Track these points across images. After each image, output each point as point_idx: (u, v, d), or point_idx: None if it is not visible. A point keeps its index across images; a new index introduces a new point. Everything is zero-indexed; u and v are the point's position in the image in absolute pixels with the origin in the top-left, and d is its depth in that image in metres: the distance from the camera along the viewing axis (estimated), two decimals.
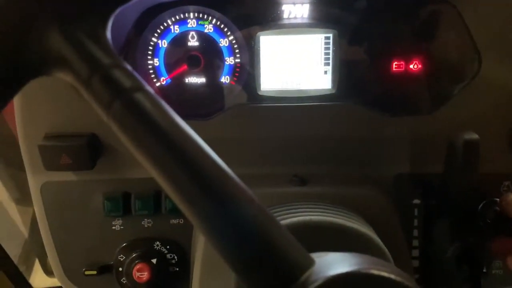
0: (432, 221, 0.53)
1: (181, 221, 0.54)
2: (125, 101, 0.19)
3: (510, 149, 0.52)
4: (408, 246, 0.52)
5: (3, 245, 0.89)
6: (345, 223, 0.41)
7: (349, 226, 0.41)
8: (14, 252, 1.02)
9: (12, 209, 1.06)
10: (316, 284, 0.19)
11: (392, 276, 0.20)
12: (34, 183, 0.53)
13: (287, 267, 0.19)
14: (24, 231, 1.08)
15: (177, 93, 0.54)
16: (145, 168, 0.19)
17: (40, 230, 0.55)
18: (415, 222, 0.53)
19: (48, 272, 1.03)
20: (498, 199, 0.52)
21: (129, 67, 0.20)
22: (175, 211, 0.53)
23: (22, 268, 1.02)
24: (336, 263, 0.20)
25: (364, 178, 0.52)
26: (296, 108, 0.52)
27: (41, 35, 0.18)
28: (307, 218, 0.40)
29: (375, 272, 0.20)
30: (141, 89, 0.19)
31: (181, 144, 0.19)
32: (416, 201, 0.53)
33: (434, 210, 0.52)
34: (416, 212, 0.53)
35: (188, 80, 0.54)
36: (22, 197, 1.08)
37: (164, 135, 0.19)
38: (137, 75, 0.20)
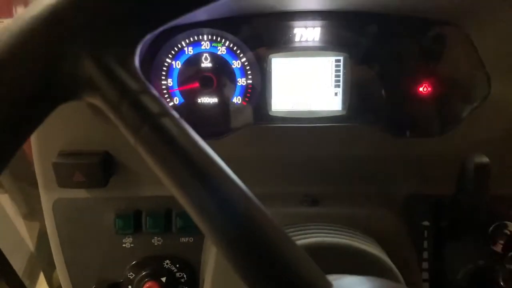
0: (442, 243, 0.53)
1: (191, 239, 0.54)
2: (153, 126, 0.19)
3: None
4: (419, 268, 0.52)
5: (9, 258, 0.89)
6: (357, 245, 0.41)
7: (361, 248, 0.41)
8: (19, 266, 1.02)
9: (20, 223, 1.07)
10: None
11: None
12: (46, 200, 0.53)
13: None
14: (31, 245, 1.08)
15: (190, 113, 0.55)
16: (169, 190, 0.20)
17: (51, 246, 0.55)
18: (425, 244, 0.54)
19: (53, 287, 1.03)
20: (509, 222, 0.52)
21: (155, 93, 0.21)
22: (185, 230, 0.53)
23: (26, 282, 1.02)
24: (353, 286, 0.21)
25: (375, 199, 0.52)
26: (306, 129, 0.53)
27: (74, 61, 0.19)
28: (320, 239, 0.40)
29: None
30: (167, 114, 0.20)
31: (205, 167, 0.20)
32: (426, 222, 0.53)
33: (444, 232, 0.53)
34: (426, 233, 0.53)
35: (201, 100, 0.56)
36: (30, 211, 1.09)
37: (189, 158, 0.19)
38: (163, 100, 0.21)
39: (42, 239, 1.11)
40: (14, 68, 0.18)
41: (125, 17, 0.20)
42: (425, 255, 0.54)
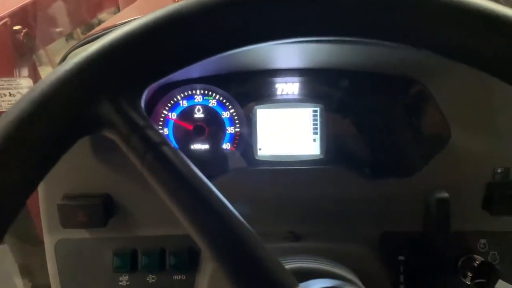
0: (417, 277, 0.56)
1: (183, 277, 0.57)
2: (155, 153, 0.25)
3: (484, 208, 0.56)
4: None
5: None
6: (335, 271, 0.45)
7: (338, 273, 0.45)
8: None
9: (17, 278, 1.08)
10: None
11: None
12: (49, 241, 0.57)
13: (277, 285, 0.24)
14: None
15: None
16: (167, 203, 0.25)
17: (51, 286, 0.58)
18: (401, 278, 0.57)
19: None
20: (476, 256, 0.56)
21: (156, 127, 0.27)
22: (178, 268, 0.56)
23: None
24: (318, 282, 0.25)
25: (353, 236, 0.55)
26: (289, 172, 0.58)
27: (97, 105, 0.25)
28: (298, 265, 0.44)
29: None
30: (166, 143, 0.26)
31: (195, 184, 0.25)
32: (401, 257, 0.57)
33: (418, 266, 0.56)
34: (401, 268, 0.57)
35: (194, 146, 0.61)
36: (24, 267, 1.10)
37: (183, 177, 0.25)
38: (162, 133, 0.26)
39: None
40: (53, 107, 0.24)
41: (133, 73, 0.26)
42: None
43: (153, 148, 0.25)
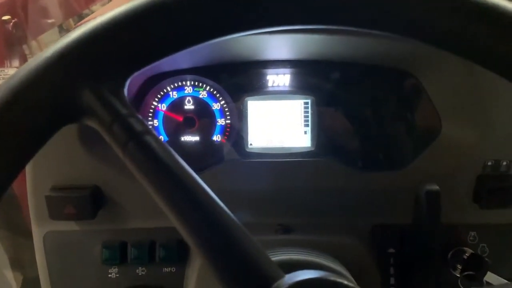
0: (408, 269, 0.56)
1: (173, 269, 0.57)
2: (137, 142, 0.25)
3: (474, 201, 0.56)
4: None
5: None
6: (323, 262, 0.45)
7: (326, 265, 0.45)
8: None
9: (7, 271, 1.07)
10: (287, 285, 0.23)
11: None
12: (37, 233, 0.56)
13: (262, 276, 0.24)
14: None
15: (173, 150, 0.60)
16: (151, 193, 0.25)
17: (40, 279, 0.57)
18: (392, 270, 0.57)
19: None
20: (465, 248, 0.56)
21: (139, 116, 0.26)
22: (167, 260, 0.56)
23: None
24: (304, 274, 0.25)
25: (344, 228, 0.55)
26: (280, 164, 0.57)
27: (78, 92, 0.24)
28: (286, 257, 0.44)
29: (344, 281, 0.24)
30: (149, 133, 0.25)
31: (178, 173, 0.25)
32: (392, 250, 0.57)
33: (409, 259, 0.56)
34: (392, 260, 0.57)
35: (184, 138, 0.60)
36: (15, 260, 1.09)
37: (166, 166, 0.25)
38: (146, 122, 0.26)
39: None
40: (32, 94, 0.23)
41: (115, 61, 0.26)
42: (392, 281, 0.57)
43: (135, 137, 0.25)
